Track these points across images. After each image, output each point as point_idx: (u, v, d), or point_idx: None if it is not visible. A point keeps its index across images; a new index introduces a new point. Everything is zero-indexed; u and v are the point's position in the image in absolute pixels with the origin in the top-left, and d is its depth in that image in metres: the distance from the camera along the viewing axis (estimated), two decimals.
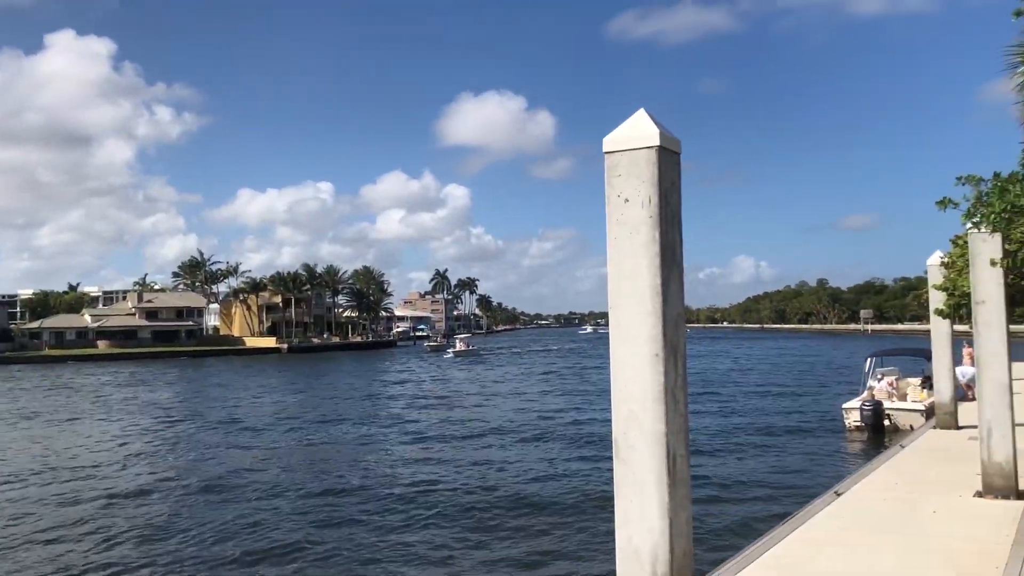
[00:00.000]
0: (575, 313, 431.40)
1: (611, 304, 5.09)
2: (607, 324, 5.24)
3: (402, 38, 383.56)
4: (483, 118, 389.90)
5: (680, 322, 5.14)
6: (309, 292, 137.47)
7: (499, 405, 39.57)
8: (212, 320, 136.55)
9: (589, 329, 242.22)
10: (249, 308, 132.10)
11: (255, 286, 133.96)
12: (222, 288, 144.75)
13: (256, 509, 17.67)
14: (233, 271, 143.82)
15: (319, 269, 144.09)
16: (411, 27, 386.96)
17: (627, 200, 5.00)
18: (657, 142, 4.90)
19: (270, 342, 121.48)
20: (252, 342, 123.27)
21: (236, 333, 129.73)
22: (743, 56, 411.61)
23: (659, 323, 4.88)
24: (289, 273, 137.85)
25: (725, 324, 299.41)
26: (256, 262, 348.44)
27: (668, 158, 5.04)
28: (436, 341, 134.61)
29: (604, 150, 5.10)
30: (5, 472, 23.21)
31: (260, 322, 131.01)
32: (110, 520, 16.95)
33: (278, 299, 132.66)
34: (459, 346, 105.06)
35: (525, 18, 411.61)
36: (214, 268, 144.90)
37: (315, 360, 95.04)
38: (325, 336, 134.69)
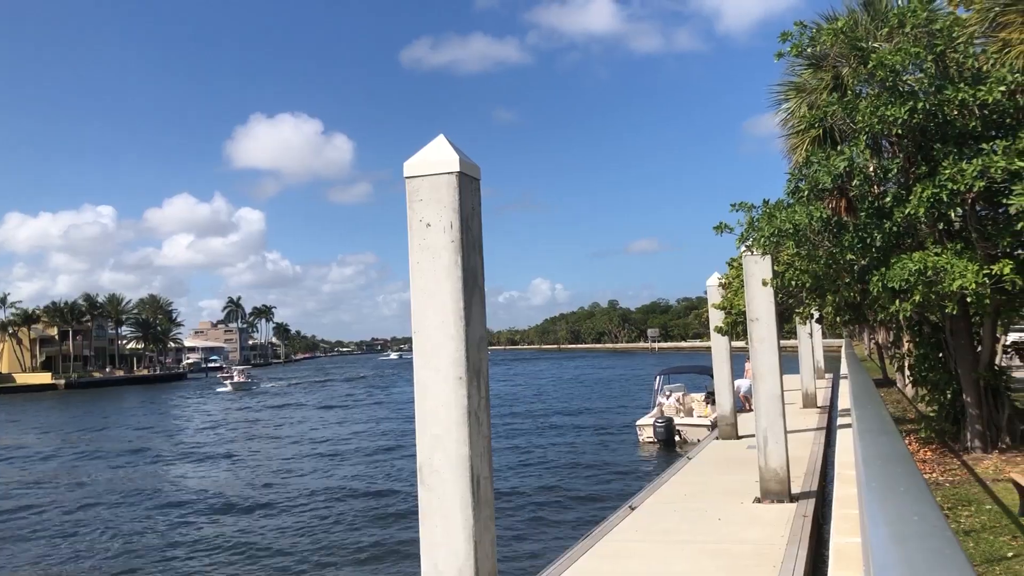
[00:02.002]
0: (377, 339, 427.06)
1: (415, 329, 5.06)
2: (411, 349, 5.22)
3: (188, 56, 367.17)
4: (278, 140, 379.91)
5: (483, 345, 5.20)
6: (89, 323, 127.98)
7: (275, 456, 32.28)
8: None
9: (394, 355, 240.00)
10: (20, 342, 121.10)
11: (27, 318, 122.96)
12: None
13: None
14: (0, 302, 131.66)
15: (100, 298, 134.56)
16: (198, 45, 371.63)
17: (429, 225, 5.01)
18: (457, 168, 4.94)
19: (45, 378, 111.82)
20: (23, 379, 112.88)
21: (5, 370, 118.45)
22: (533, 88, 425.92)
23: (462, 346, 4.91)
24: (66, 303, 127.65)
25: (525, 345, 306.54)
26: (27, 292, 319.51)
27: (468, 184, 5.09)
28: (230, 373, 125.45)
29: (405, 175, 5.09)
30: None
31: (33, 357, 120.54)
32: None
33: (54, 331, 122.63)
34: (236, 377, 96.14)
35: (320, 41, 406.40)
36: None
37: (96, 396, 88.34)
38: (108, 370, 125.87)
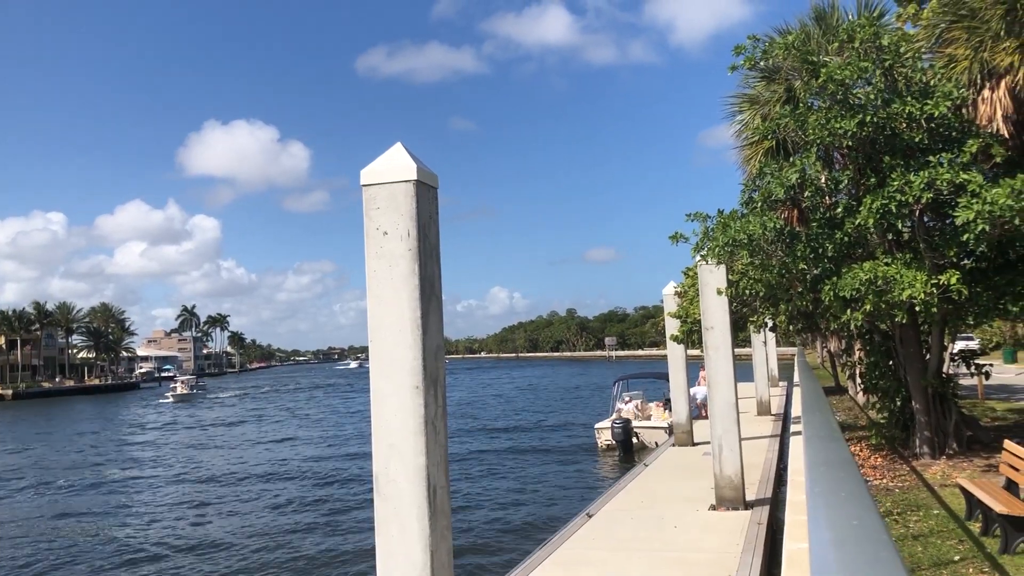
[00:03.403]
0: (334, 348, 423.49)
1: (371, 337, 5.06)
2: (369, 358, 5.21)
3: (141, 60, 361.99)
4: (233, 148, 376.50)
5: (440, 353, 5.21)
6: (38, 332, 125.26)
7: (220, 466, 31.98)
8: None
9: (353, 364, 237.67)
10: None
11: None
12: None
13: None
14: None
15: (50, 306, 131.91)
16: (152, 49, 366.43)
17: (386, 233, 5.01)
18: (415, 176, 4.95)
19: None
20: None
21: None
22: (489, 97, 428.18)
23: (419, 355, 4.91)
24: (14, 311, 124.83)
25: (483, 354, 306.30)
26: None
27: (426, 192, 5.11)
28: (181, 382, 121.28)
29: (362, 183, 5.08)
30: None
31: None
32: None
33: (1, 340, 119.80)
34: (180, 388, 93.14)
35: (274, 47, 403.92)
36: None
37: (44, 406, 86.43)
38: (58, 380, 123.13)
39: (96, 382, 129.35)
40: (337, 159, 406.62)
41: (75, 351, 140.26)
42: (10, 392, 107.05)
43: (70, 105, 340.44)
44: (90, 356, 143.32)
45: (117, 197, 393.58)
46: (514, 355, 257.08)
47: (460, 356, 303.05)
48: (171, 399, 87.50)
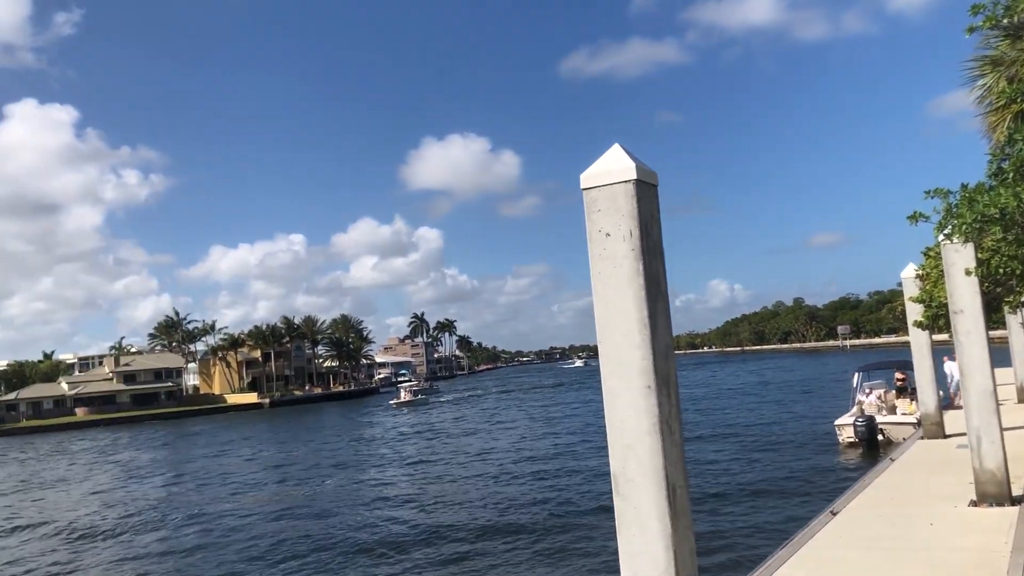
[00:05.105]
0: (556, 348, 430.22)
1: (600, 338, 5.08)
2: (595, 357, 5.25)
3: (362, 87, 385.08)
4: (448, 161, 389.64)
5: (669, 352, 5.14)
6: (288, 344, 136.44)
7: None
8: (192, 379, 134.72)
9: (579, 363, 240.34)
10: (229, 365, 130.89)
11: (233, 342, 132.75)
12: (199, 346, 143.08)
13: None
14: (210, 328, 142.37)
15: (296, 320, 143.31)
16: (370, 77, 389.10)
17: (608, 235, 5.01)
18: (634, 176, 4.93)
19: (252, 398, 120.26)
20: (234, 399, 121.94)
21: (217, 391, 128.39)
22: (696, 87, 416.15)
23: (649, 355, 4.88)
24: (267, 326, 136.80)
25: (706, 349, 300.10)
26: (232, 318, 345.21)
27: (646, 191, 5.07)
28: (415, 385, 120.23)
29: (582, 186, 5.12)
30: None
31: (240, 378, 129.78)
32: None
33: (257, 354, 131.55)
34: (403, 396, 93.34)
35: (480, 63, 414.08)
36: (190, 327, 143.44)
37: (298, 413, 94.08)
38: (307, 388, 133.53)
39: (341, 388, 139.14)
40: (546, 163, 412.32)
41: (321, 360, 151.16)
42: (267, 400, 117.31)
43: (300, 136, 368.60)
44: (334, 364, 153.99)
45: (349, 216, 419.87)
46: (739, 348, 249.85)
47: (683, 352, 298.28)
48: (394, 405, 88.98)
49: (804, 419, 37.48)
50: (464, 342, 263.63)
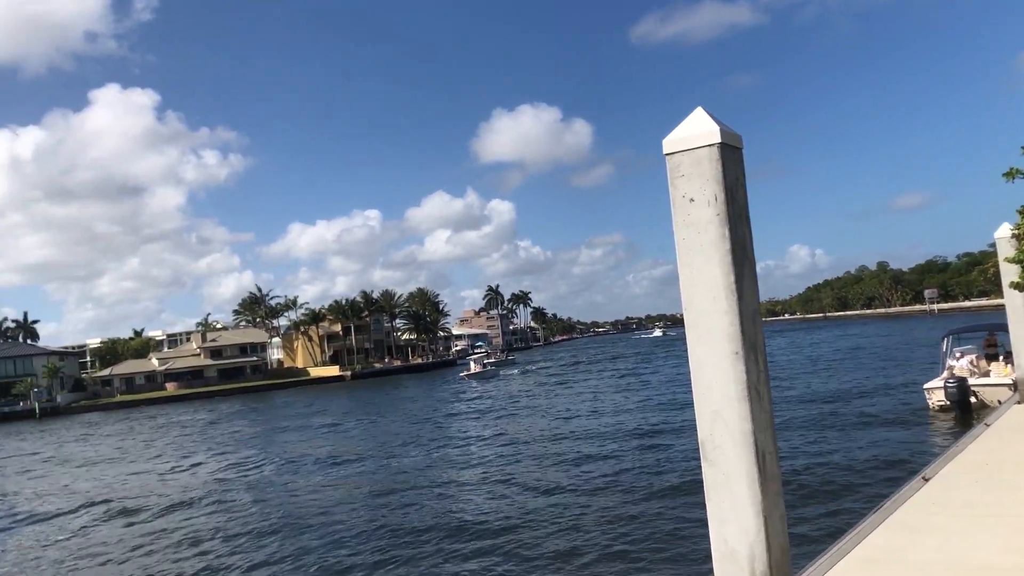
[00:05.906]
0: (632, 318, 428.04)
1: (685, 306, 5.05)
2: (672, 326, 5.20)
3: (432, 61, 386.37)
4: (519, 132, 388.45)
5: (756, 318, 5.08)
6: (367, 318, 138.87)
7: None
8: (275, 354, 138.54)
9: (658, 332, 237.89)
10: (311, 339, 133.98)
11: (315, 317, 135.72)
12: (282, 321, 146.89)
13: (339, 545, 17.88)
14: (292, 304, 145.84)
15: (375, 295, 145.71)
16: (439, 51, 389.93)
17: (692, 200, 4.96)
18: (719, 139, 4.86)
19: (334, 371, 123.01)
20: (316, 372, 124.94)
21: (300, 364, 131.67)
22: (770, 48, 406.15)
23: (736, 320, 4.83)
24: (347, 301, 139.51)
25: (787, 316, 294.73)
26: (312, 293, 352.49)
27: (731, 154, 4.99)
28: (487, 356, 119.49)
29: (664, 151, 5.06)
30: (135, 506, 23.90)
31: (322, 352, 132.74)
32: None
33: (338, 328, 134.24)
34: (473, 368, 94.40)
35: (549, 32, 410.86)
36: (273, 303, 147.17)
37: (378, 384, 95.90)
38: (386, 360, 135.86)
39: (419, 360, 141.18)
40: (619, 131, 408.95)
41: (399, 333, 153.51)
42: (349, 373, 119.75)
43: (374, 114, 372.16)
44: (412, 337, 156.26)
45: (422, 190, 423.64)
46: (821, 315, 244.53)
47: (763, 319, 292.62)
48: (465, 376, 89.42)
49: (890, 385, 36.57)
50: (539, 313, 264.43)
